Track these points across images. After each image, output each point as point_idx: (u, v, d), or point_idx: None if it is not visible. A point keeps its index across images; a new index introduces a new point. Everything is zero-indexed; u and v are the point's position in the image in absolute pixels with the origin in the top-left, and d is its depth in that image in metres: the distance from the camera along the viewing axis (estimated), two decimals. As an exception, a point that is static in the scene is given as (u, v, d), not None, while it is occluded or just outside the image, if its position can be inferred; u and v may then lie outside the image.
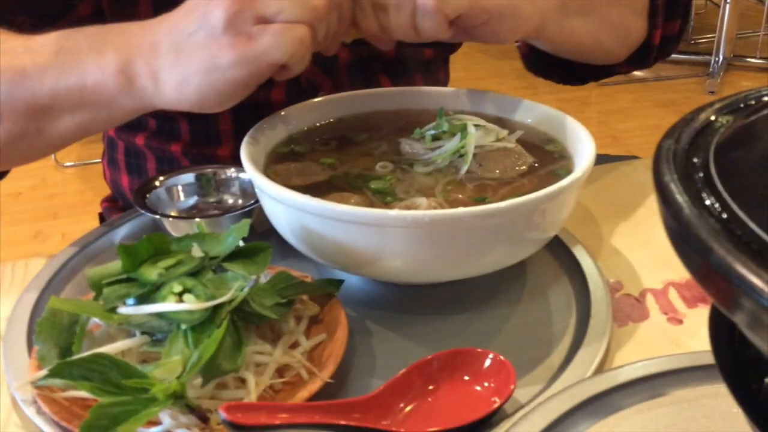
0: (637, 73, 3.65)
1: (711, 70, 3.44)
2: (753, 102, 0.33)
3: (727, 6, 3.37)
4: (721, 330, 0.30)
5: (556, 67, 0.86)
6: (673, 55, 3.68)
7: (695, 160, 0.28)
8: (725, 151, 0.28)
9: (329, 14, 0.56)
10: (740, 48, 3.59)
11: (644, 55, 0.85)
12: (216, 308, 0.46)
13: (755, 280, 0.21)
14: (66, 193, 2.71)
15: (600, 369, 0.50)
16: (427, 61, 0.87)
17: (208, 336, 0.44)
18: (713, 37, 3.53)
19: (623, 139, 2.95)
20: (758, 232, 0.22)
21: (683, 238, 0.24)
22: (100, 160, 0.95)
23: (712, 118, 0.31)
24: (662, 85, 3.52)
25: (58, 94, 0.58)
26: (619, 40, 0.83)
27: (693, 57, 3.68)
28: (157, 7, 0.73)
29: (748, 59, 3.58)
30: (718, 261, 0.22)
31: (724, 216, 0.24)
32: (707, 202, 0.25)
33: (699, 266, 0.23)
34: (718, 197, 0.25)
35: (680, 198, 0.25)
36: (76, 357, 0.44)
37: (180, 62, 0.55)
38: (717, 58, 3.43)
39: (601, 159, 1.17)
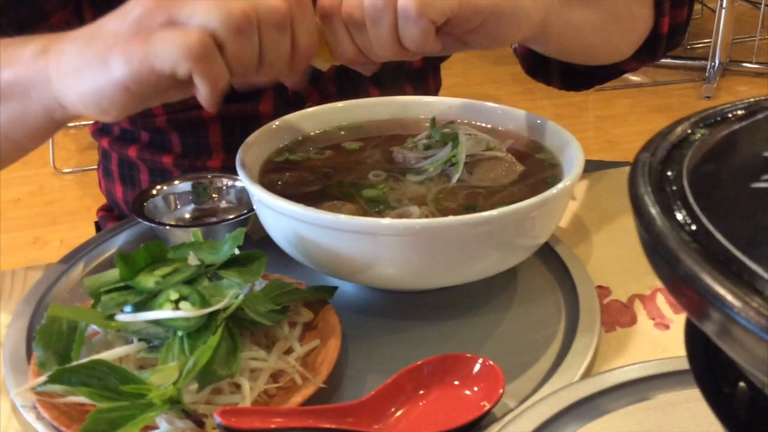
0: (634, 78, 3.67)
1: (707, 75, 3.46)
2: (729, 116, 0.34)
3: (723, 11, 3.38)
4: (696, 336, 0.31)
5: (557, 72, 0.82)
6: (669, 60, 3.70)
7: (669, 173, 0.29)
8: (699, 164, 0.29)
9: (253, 29, 0.48)
10: (736, 53, 3.60)
11: (653, 47, 0.80)
12: (211, 315, 0.47)
13: (721, 291, 0.22)
14: (64, 200, 2.72)
15: (588, 373, 0.51)
16: (417, 70, 0.87)
17: (204, 342, 0.46)
18: (709, 42, 3.54)
19: (619, 144, 2.96)
20: (725, 244, 0.24)
21: (654, 249, 0.25)
22: (97, 167, 0.96)
23: (688, 131, 0.32)
24: (659, 90, 3.54)
25: None
26: (625, 34, 0.77)
27: (689, 62, 3.69)
28: None
29: (744, 64, 3.60)
30: (685, 272, 0.23)
31: (694, 228, 0.25)
32: (678, 215, 0.26)
33: (669, 277, 0.24)
34: (689, 210, 0.26)
35: (652, 210, 0.26)
36: (75, 363, 0.45)
37: (81, 52, 0.51)
38: (713, 63, 3.45)
39: (595, 165, 1.19)
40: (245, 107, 0.58)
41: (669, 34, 0.80)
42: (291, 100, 0.79)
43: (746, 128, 0.29)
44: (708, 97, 3.36)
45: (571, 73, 0.82)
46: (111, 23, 0.51)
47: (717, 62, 3.44)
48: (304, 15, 0.51)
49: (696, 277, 0.23)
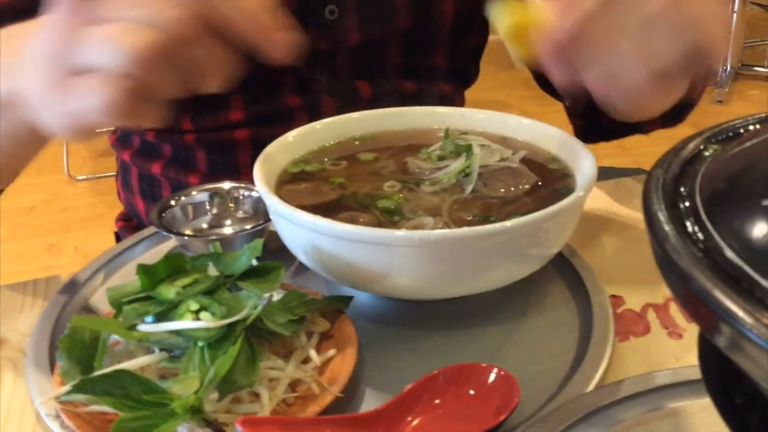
0: (645, 83, 3.66)
1: (719, 79, 3.45)
2: (741, 131, 0.35)
3: (734, 15, 3.38)
4: (709, 347, 0.31)
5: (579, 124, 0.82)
6: (681, 65, 3.61)
7: (682, 189, 0.29)
8: (711, 180, 0.30)
9: (163, 56, 0.44)
10: (748, 57, 3.60)
11: (680, 113, 0.81)
12: (231, 326, 0.48)
13: (732, 307, 0.23)
14: (78, 207, 2.75)
15: (602, 382, 0.52)
16: (446, 96, 0.89)
17: (224, 353, 0.46)
18: (720, 46, 3.53)
19: (631, 149, 2.96)
20: (736, 261, 0.24)
21: (668, 265, 0.26)
22: (111, 174, 0.98)
23: (701, 147, 0.33)
24: (670, 94, 3.53)
25: None
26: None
27: (700, 66, 3.67)
28: None
29: (756, 68, 3.59)
30: (698, 288, 0.24)
31: (706, 245, 0.26)
32: (691, 231, 0.26)
33: (682, 292, 0.25)
34: (702, 226, 0.27)
35: (666, 227, 0.27)
36: (98, 373, 0.46)
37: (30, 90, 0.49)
38: (724, 67, 3.44)
39: (607, 172, 1.19)
40: (275, 130, 0.59)
41: (695, 102, 0.81)
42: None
43: (757, 145, 0.30)
44: (720, 102, 3.36)
45: (594, 124, 0.80)
46: (27, 59, 0.49)
47: (728, 66, 3.44)
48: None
49: (708, 294, 0.23)
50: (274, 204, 0.55)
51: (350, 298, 0.57)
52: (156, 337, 0.49)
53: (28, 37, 0.50)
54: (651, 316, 0.60)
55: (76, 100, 0.45)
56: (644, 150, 2.96)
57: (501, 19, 0.52)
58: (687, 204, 0.28)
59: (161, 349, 0.49)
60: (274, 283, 0.53)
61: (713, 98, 3.39)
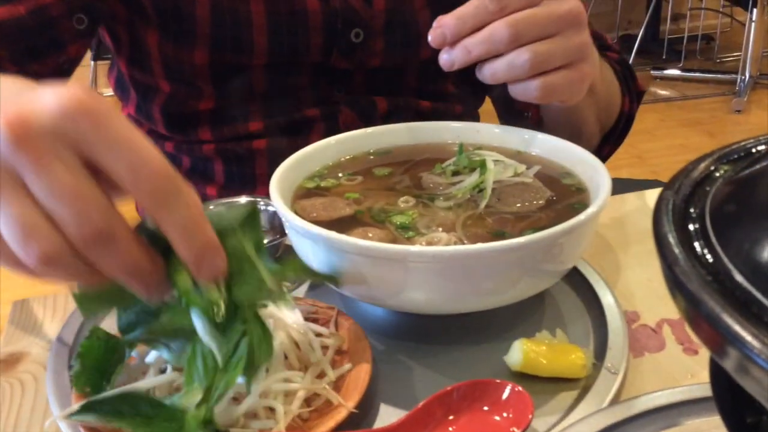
0: (662, 92, 3.65)
1: (737, 88, 3.43)
2: (753, 150, 0.35)
3: (753, 24, 3.36)
4: (720, 366, 0.31)
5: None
6: (699, 74, 3.67)
7: (692, 210, 0.30)
8: (721, 203, 0.30)
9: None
10: (766, 66, 3.57)
11: (624, 130, 0.92)
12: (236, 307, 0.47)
13: (740, 331, 0.23)
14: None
15: (616, 399, 0.52)
16: (459, 115, 0.91)
17: (237, 332, 0.45)
18: (739, 55, 3.52)
19: (648, 159, 2.94)
20: (745, 285, 0.24)
21: (677, 288, 0.26)
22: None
23: (712, 168, 0.33)
24: (688, 104, 3.51)
25: None
26: (602, 121, 0.88)
27: (719, 76, 3.66)
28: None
29: (775, 77, 3.56)
30: (707, 312, 0.24)
31: (715, 267, 0.26)
32: (700, 253, 0.27)
33: (690, 315, 0.25)
34: (711, 249, 0.27)
35: (675, 250, 0.27)
36: (104, 395, 0.46)
37: None
38: (743, 77, 3.42)
39: (624, 184, 1.18)
40: (296, 141, 0.60)
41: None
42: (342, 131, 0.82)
43: (767, 168, 0.30)
44: (738, 111, 3.33)
45: None
46: None
47: (747, 75, 3.41)
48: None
49: (717, 318, 0.24)
50: (290, 219, 0.56)
51: (337, 279, 0.55)
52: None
53: None
54: (666, 332, 0.59)
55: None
56: (661, 160, 2.95)
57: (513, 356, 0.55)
58: (697, 226, 0.28)
59: (174, 369, 0.50)
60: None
61: (732, 108, 3.37)
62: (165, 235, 0.40)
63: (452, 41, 0.61)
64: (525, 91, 0.63)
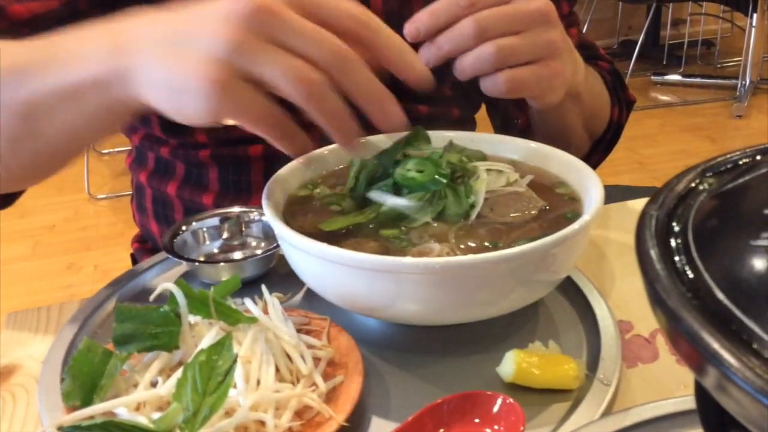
0: (663, 98, 3.65)
1: (738, 93, 3.43)
2: (740, 163, 0.35)
3: (753, 29, 3.36)
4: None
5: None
6: (699, 79, 3.68)
7: (675, 225, 0.30)
8: (704, 218, 0.30)
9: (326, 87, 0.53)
10: (767, 71, 3.57)
11: (614, 139, 0.93)
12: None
13: (719, 349, 0.23)
14: (98, 225, 2.78)
15: (609, 410, 0.52)
16: (456, 120, 0.91)
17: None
18: (739, 60, 3.52)
19: (649, 164, 2.94)
20: (725, 302, 0.24)
21: (658, 304, 0.26)
22: (131, 193, 0.99)
23: (696, 181, 0.33)
24: (689, 109, 3.51)
25: (46, 89, 0.56)
26: (590, 129, 0.88)
27: (719, 81, 3.67)
28: None
29: (776, 82, 3.56)
30: (686, 329, 0.24)
31: (696, 284, 0.26)
32: (681, 270, 0.27)
33: (671, 332, 0.25)
34: (693, 266, 0.27)
35: (657, 266, 0.27)
36: (86, 423, 0.46)
37: (167, 63, 0.52)
38: (744, 82, 3.42)
39: (623, 191, 1.17)
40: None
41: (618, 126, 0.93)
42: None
43: (751, 182, 0.30)
44: (739, 116, 3.33)
45: None
46: (156, 42, 0.53)
47: (748, 80, 3.42)
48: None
49: (696, 335, 0.23)
50: (282, 231, 0.56)
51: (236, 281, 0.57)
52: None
53: (146, 25, 0.55)
54: (660, 342, 0.59)
55: (232, 101, 0.51)
56: (662, 166, 2.95)
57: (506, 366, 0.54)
58: (679, 241, 0.28)
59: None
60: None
61: (732, 113, 3.37)
62: (348, 95, 0.54)
63: (426, 36, 0.63)
64: (494, 85, 0.64)
